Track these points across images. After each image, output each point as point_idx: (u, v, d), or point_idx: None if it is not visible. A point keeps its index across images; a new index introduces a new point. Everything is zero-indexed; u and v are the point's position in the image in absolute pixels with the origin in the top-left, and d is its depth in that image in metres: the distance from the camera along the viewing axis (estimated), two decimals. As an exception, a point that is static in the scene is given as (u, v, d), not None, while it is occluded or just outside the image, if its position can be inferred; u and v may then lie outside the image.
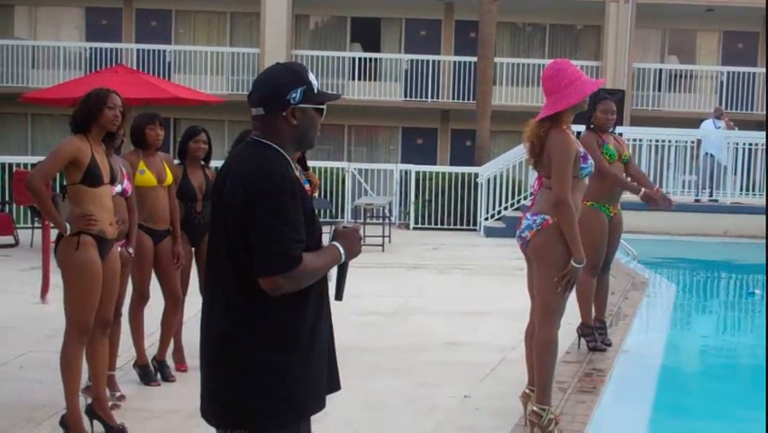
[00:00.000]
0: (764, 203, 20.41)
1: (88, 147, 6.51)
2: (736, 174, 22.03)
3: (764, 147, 21.52)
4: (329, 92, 3.99)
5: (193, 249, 8.62)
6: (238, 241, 3.68)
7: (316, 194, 10.20)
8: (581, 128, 9.86)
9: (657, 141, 21.94)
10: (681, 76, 32.58)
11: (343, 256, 3.88)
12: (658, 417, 8.04)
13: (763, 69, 29.98)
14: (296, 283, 3.66)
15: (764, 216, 18.00)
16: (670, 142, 22.24)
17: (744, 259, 18.60)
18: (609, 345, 9.61)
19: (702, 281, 17.50)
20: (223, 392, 3.80)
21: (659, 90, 32.01)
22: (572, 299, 7.94)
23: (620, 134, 9.71)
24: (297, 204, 3.66)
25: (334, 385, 4.06)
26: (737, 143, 21.96)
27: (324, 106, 3.89)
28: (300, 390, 3.80)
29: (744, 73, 31.15)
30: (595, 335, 9.49)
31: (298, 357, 3.77)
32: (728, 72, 31.39)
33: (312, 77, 3.85)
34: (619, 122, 9.82)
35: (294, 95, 3.77)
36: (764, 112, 27.16)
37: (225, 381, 3.78)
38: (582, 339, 9.52)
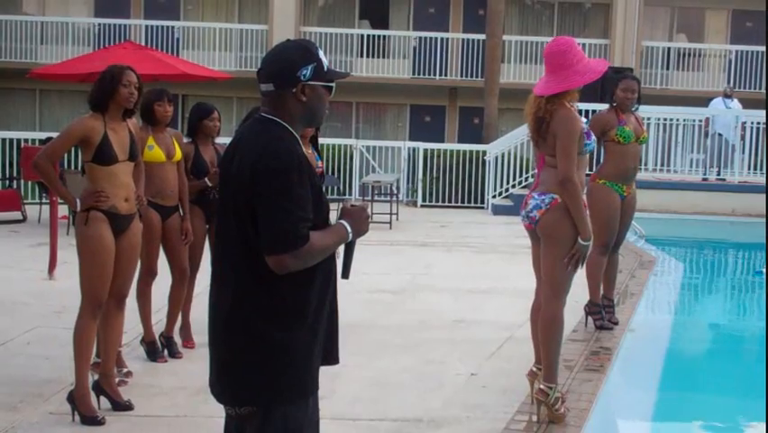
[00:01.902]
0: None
1: (102, 126, 6.56)
2: (744, 153, 21.99)
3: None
4: (338, 70, 4.00)
5: (207, 226, 8.61)
6: (246, 218, 3.68)
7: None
8: (596, 106, 9.86)
9: (665, 119, 21.89)
10: (689, 54, 32.51)
11: (350, 235, 3.89)
12: (664, 395, 8.06)
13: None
14: (302, 262, 3.67)
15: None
16: (677, 120, 22.20)
17: (751, 238, 18.55)
18: (616, 323, 9.61)
19: (709, 260, 17.49)
20: (229, 370, 3.81)
21: (667, 69, 31.96)
22: (581, 277, 7.94)
23: (636, 111, 9.68)
24: (305, 181, 3.66)
25: (332, 359, 4.06)
26: (745, 122, 21.91)
27: (333, 84, 3.89)
28: (306, 367, 3.80)
29: (752, 52, 31.04)
30: (602, 313, 9.49)
31: (304, 335, 3.77)
32: (737, 51, 31.31)
33: (322, 54, 3.85)
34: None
35: (304, 72, 3.77)
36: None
37: (232, 358, 3.80)
38: (590, 317, 9.52)
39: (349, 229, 3.87)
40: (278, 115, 3.79)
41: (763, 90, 30.31)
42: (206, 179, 8.49)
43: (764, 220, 18.45)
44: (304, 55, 3.80)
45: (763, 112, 22.75)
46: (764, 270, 14.59)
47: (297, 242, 3.60)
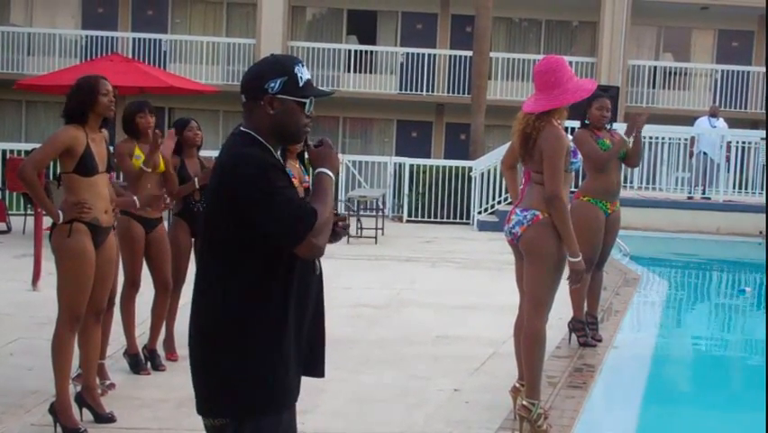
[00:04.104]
0: (757, 201, 20.46)
1: (84, 136, 6.53)
2: (729, 172, 22.06)
3: (758, 145, 21.58)
4: (320, 88, 3.97)
5: (192, 239, 8.60)
6: (222, 230, 3.71)
7: None
8: (575, 123, 9.90)
9: (651, 137, 21.94)
10: (675, 73, 32.63)
11: (333, 176, 3.91)
12: (647, 413, 8.06)
13: (758, 68, 30.03)
14: (324, 234, 3.70)
15: (757, 214, 18.07)
16: (663, 139, 22.29)
17: (735, 256, 18.64)
18: (600, 340, 9.63)
19: (694, 279, 17.53)
20: (205, 380, 3.82)
21: (653, 87, 32.06)
22: (565, 294, 7.95)
23: (612, 129, 9.71)
24: (285, 178, 3.68)
25: (317, 372, 4.06)
26: (731, 142, 22.00)
27: (306, 101, 3.83)
28: (280, 380, 3.80)
29: (738, 72, 31.18)
30: (586, 330, 9.51)
31: (279, 348, 3.77)
32: (723, 70, 31.43)
33: (300, 70, 3.82)
34: (613, 118, 9.91)
35: (272, 84, 3.76)
36: (759, 110, 27.16)
37: (207, 369, 3.80)
38: (573, 334, 9.53)
39: (329, 173, 3.88)
40: (250, 127, 3.81)
41: (749, 110, 30.47)
42: (195, 178, 8.48)
43: (748, 239, 18.62)
44: (276, 68, 3.80)
45: (748, 131, 22.93)
46: (747, 289, 14.66)
47: (309, 219, 3.62)
